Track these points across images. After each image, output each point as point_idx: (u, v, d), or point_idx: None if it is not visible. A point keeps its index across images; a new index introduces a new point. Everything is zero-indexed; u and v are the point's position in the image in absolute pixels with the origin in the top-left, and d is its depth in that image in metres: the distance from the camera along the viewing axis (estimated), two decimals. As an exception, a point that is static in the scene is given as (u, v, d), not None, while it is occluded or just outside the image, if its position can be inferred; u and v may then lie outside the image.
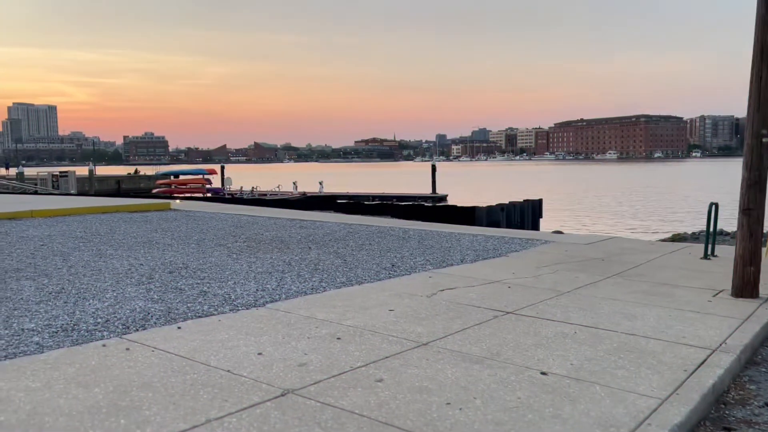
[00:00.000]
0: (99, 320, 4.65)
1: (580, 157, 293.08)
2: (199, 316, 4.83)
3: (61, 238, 9.46)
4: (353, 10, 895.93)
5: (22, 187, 36.42)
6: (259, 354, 3.92)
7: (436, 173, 45.53)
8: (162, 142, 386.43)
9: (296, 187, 44.64)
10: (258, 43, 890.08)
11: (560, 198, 47.05)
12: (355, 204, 19.11)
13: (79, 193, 33.10)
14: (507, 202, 20.76)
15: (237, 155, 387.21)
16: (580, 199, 47.26)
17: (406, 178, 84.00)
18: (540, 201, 22.22)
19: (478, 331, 4.58)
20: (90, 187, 44.21)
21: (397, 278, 6.49)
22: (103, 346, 4.02)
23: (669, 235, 19.57)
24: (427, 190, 45.72)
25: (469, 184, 71.36)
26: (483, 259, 7.76)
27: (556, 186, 65.39)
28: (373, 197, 41.47)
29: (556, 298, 5.69)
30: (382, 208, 17.61)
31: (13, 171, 53.22)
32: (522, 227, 19.18)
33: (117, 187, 50.40)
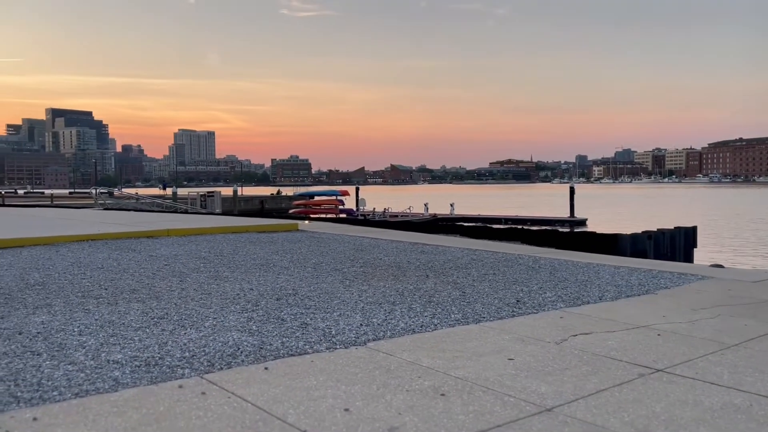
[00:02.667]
0: (186, 354, 4.31)
1: (739, 180, 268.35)
2: (292, 354, 4.35)
3: (185, 257, 9.59)
4: (488, 33, 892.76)
5: (174, 206, 39.31)
6: (346, 410, 3.32)
7: (575, 195, 43.26)
8: (306, 165, 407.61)
9: (427, 208, 44.53)
10: (397, 69, 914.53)
11: (718, 225, 42.73)
12: (482, 228, 18.17)
13: (224, 213, 35.00)
14: (655, 229, 18.76)
15: (374, 177, 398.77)
16: (741, 227, 42.59)
17: (542, 201, 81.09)
18: (694, 229, 19.89)
19: (618, 394, 3.68)
20: (234, 206, 46.91)
21: (521, 317, 5.66)
22: (179, 387, 3.64)
23: None
24: (564, 214, 43.55)
25: (612, 207, 67.20)
26: (626, 297, 6.67)
27: (713, 212, 59.73)
28: (505, 220, 40.16)
29: (720, 353, 4.58)
30: (512, 233, 16.50)
31: (169, 191, 58.18)
32: (672, 259, 17.19)
33: (261, 207, 53.16)
